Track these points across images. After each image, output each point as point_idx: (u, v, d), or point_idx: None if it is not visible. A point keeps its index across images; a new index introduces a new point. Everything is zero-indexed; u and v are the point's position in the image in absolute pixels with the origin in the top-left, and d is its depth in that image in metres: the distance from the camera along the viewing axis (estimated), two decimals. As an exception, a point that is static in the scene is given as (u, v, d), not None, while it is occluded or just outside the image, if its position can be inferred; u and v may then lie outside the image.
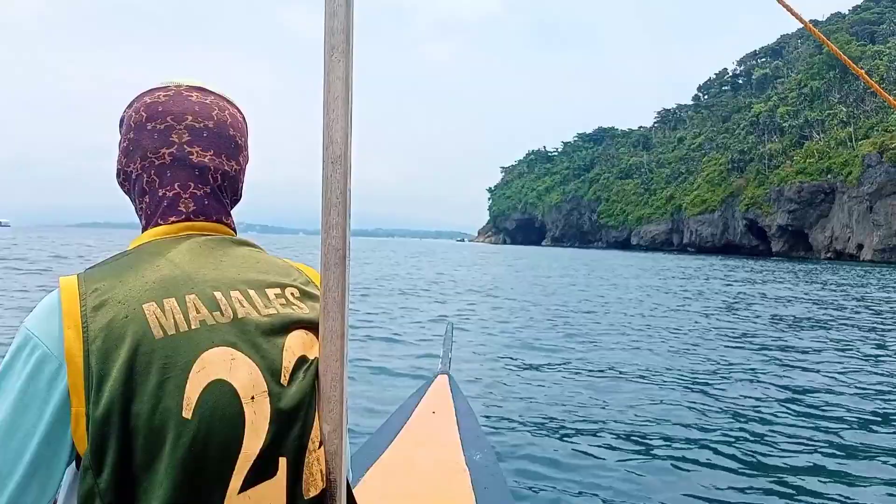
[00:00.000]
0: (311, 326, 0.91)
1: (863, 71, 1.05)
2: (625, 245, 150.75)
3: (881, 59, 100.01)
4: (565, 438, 5.34)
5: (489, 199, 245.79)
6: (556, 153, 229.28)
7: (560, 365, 8.50)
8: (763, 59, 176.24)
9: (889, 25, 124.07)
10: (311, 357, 0.88)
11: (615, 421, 5.90)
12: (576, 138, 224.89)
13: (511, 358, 8.88)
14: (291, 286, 0.95)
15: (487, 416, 5.75)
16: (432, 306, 15.39)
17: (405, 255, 54.38)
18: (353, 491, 0.90)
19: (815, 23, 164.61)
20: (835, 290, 25.80)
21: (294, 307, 0.91)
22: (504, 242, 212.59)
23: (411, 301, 16.34)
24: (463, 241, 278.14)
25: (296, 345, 0.88)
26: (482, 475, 2.42)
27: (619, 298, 19.44)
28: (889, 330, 13.39)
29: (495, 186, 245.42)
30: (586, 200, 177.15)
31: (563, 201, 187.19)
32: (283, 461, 0.82)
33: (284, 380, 0.84)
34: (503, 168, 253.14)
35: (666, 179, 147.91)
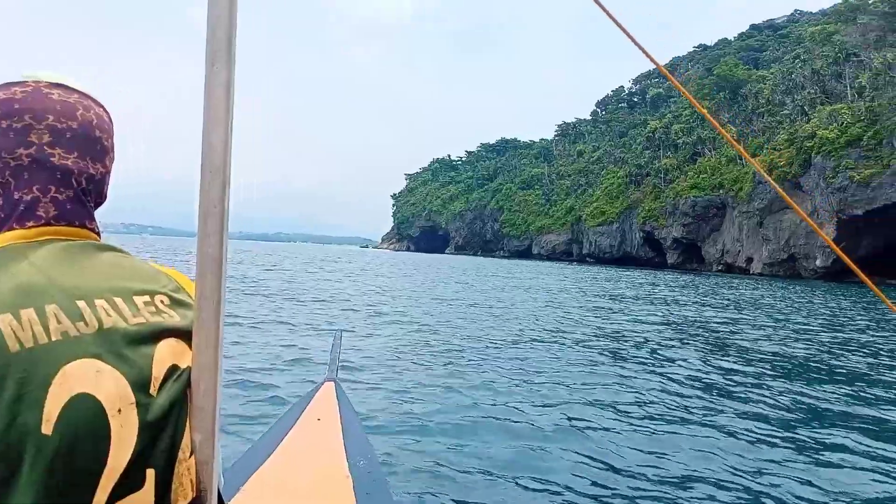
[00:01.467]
0: (183, 335, 0.88)
1: (716, 121, 1.17)
2: (526, 254, 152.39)
3: (765, 84, 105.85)
4: (450, 444, 5.44)
5: (393, 205, 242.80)
6: (459, 162, 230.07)
7: (448, 371, 8.62)
8: (656, 80, 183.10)
9: (771, 52, 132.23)
10: (183, 366, 0.86)
11: (499, 426, 6.03)
12: (479, 148, 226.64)
13: (399, 365, 8.90)
14: (161, 293, 0.91)
15: (373, 423, 5.80)
16: (321, 313, 15.01)
17: (301, 261, 52.01)
18: (230, 501, 0.85)
19: (704, 47, 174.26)
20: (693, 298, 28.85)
21: (164, 315, 0.88)
22: (408, 249, 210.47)
23: (299, 308, 15.82)
24: (367, 247, 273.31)
25: (166, 354, 0.85)
26: (365, 481, 2.44)
27: (507, 305, 20.22)
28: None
29: (399, 193, 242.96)
30: (489, 210, 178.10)
31: (466, 210, 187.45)
32: (150, 472, 0.80)
33: (154, 390, 0.82)
34: (408, 175, 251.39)
35: (566, 191, 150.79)
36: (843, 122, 69.85)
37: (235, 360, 8.25)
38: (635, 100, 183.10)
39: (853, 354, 12.46)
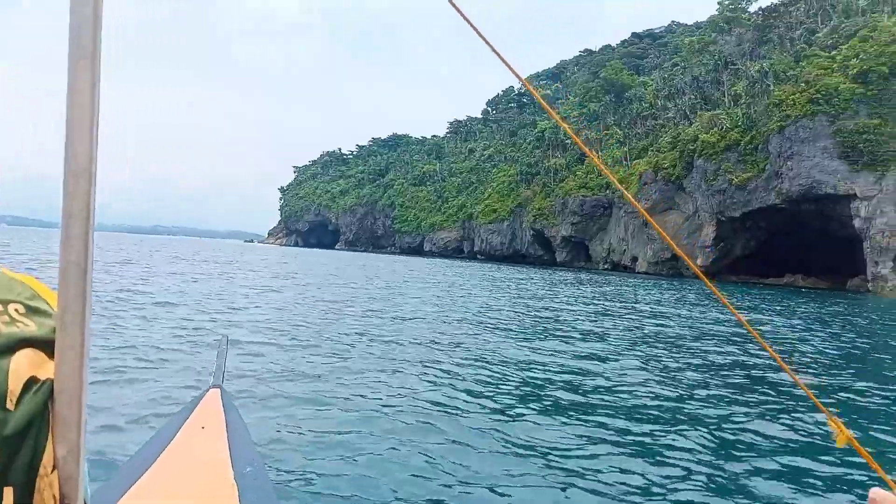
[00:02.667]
0: (42, 344, 0.84)
1: (581, 140, 1.31)
2: (418, 251, 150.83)
3: (647, 89, 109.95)
4: (341, 450, 5.48)
5: (281, 198, 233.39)
6: (351, 156, 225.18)
7: (338, 374, 8.63)
8: (544, 81, 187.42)
9: (652, 59, 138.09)
10: (43, 377, 0.82)
11: (389, 429, 6.14)
12: (371, 142, 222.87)
13: (287, 368, 8.86)
14: (14, 302, 0.87)
15: (262, 430, 5.72)
16: (204, 315, 14.33)
17: (179, 256, 47.29)
18: None
19: (590, 52, 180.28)
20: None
21: (19, 325, 0.84)
22: (296, 245, 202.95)
23: (179, 311, 14.79)
24: (252, 242, 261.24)
25: (23, 365, 0.81)
26: (251, 490, 2.38)
27: (396, 299, 21.00)
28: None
29: (287, 186, 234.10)
30: (381, 205, 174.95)
31: (357, 205, 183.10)
32: (8, 491, 0.76)
33: (11, 404, 0.77)
34: (296, 168, 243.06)
35: (458, 188, 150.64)
36: (722, 127, 73.02)
37: (103, 365, 7.91)
38: (524, 100, 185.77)
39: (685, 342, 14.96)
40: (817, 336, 18.29)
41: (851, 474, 5.81)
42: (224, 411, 3.12)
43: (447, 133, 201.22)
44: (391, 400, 7.37)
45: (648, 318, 21.01)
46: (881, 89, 58.91)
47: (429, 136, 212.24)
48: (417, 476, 5.01)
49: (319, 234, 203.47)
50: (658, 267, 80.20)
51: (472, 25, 1.04)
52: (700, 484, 5.37)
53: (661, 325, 18.60)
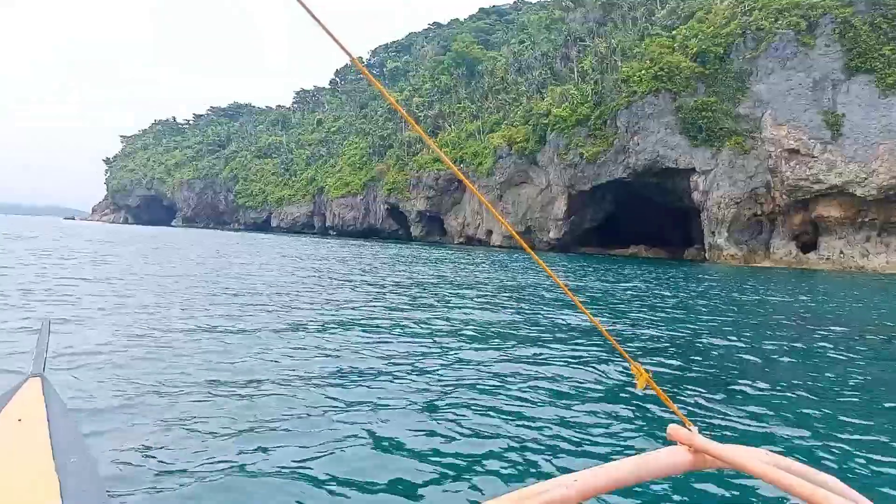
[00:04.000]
0: None
1: (402, 108, 1.23)
2: (265, 227, 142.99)
3: (497, 64, 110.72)
4: (167, 432, 5.32)
5: (107, 171, 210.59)
6: (187, 125, 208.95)
7: (171, 357, 8.25)
8: (394, 53, 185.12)
9: (501, 35, 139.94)
10: None
11: (224, 417, 5.84)
12: (209, 112, 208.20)
13: (114, 352, 8.35)
14: None
15: (90, 418, 5.50)
16: (15, 300, 12.73)
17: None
18: None
19: (439, 25, 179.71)
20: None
21: None
22: (126, 222, 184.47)
23: None
24: (73, 219, 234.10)
25: None
26: (75, 480, 2.30)
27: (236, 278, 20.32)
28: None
29: (114, 158, 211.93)
30: (222, 179, 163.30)
31: (195, 178, 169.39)
32: None
33: None
34: (124, 137, 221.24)
35: (307, 161, 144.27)
36: (573, 102, 74.40)
37: None
38: (374, 72, 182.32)
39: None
40: (655, 297, 20.58)
41: (651, 413, 6.38)
42: (45, 401, 2.94)
43: (294, 103, 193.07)
44: (239, 392, 6.78)
45: (483, 285, 22.29)
46: (716, 69, 62.35)
47: (273, 106, 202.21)
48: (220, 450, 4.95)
49: (152, 210, 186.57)
50: (512, 240, 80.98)
51: (306, 8, 1.01)
52: (510, 435, 5.55)
53: (490, 293, 19.69)
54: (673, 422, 1.17)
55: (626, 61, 70.67)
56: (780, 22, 59.30)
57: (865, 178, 53.87)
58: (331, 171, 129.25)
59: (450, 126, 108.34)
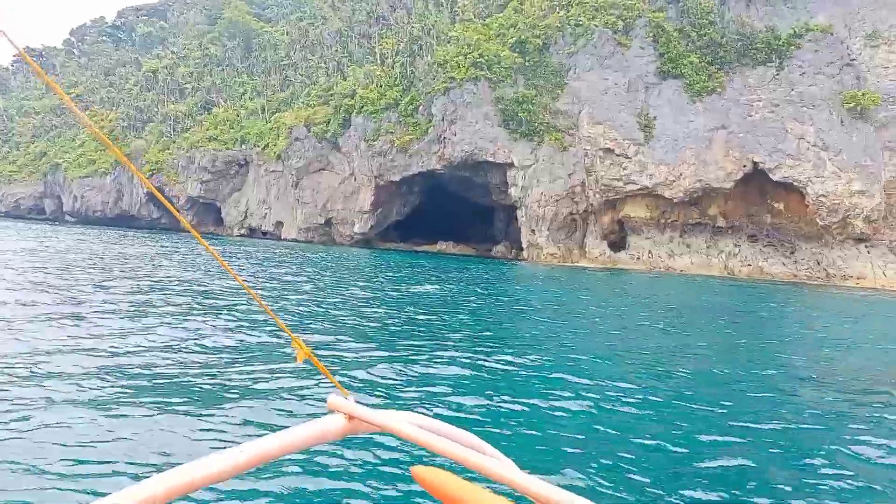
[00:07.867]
0: None
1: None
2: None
3: (281, 37, 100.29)
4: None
5: None
6: None
7: None
8: (146, 17, 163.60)
9: (274, 9, 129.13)
10: None
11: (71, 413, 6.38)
12: None
13: None
14: None
15: None
16: None
17: None
18: None
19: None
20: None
21: None
22: None
23: None
24: None
25: None
26: None
27: None
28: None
29: None
30: None
31: None
32: None
33: None
34: None
35: (35, 132, 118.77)
36: (380, 84, 67.95)
37: None
38: (121, 35, 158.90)
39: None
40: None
41: (310, 385, 7.41)
42: None
43: (14, 63, 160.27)
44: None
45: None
46: (536, 61, 60.39)
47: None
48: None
49: None
50: (310, 233, 72.16)
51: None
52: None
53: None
54: (333, 392, 1.25)
55: (441, 44, 66.03)
56: (597, 20, 59.00)
57: (674, 181, 55.44)
58: (69, 146, 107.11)
59: (225, 102, 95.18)
